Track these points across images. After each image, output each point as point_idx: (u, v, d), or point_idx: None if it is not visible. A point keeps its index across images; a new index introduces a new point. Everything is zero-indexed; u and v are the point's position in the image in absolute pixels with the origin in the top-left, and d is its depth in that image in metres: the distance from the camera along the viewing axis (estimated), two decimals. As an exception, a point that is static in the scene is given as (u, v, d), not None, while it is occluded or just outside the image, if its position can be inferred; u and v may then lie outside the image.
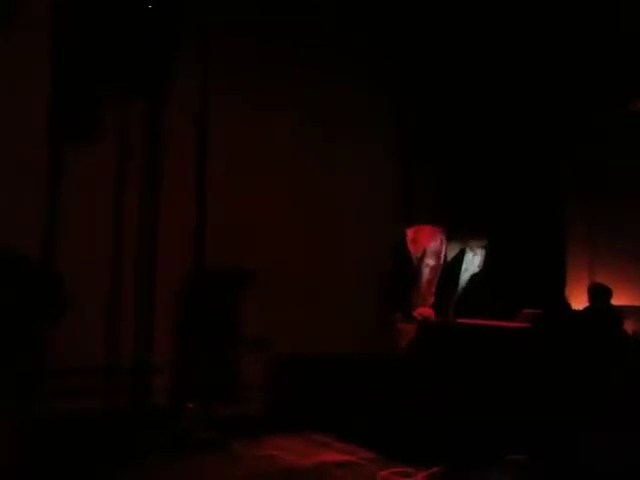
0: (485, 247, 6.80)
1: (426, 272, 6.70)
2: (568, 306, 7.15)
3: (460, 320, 6.64)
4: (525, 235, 8.57)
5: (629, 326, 6.68)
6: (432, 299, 6.75)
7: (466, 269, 6.87)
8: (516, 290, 7.83)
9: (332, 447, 6.45)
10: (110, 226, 7.01)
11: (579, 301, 7.45)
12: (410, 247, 6.72)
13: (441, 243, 6.65)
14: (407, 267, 6.74)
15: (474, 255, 6.81)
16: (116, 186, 7.08)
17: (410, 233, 6.74)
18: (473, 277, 7.01)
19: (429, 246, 6.63)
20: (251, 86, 7.86)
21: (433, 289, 6.72)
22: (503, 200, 8.66)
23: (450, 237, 6.67)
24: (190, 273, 7.45)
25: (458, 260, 6.82)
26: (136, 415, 6.69)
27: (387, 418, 6.30)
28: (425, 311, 6.62)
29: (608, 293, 6.71)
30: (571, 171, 9.01)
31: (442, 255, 6.69)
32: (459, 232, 6.71)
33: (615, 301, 6.88)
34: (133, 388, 6.98)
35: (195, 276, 7.47)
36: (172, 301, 7.38)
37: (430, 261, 6.70)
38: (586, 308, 6.81)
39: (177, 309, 7.41)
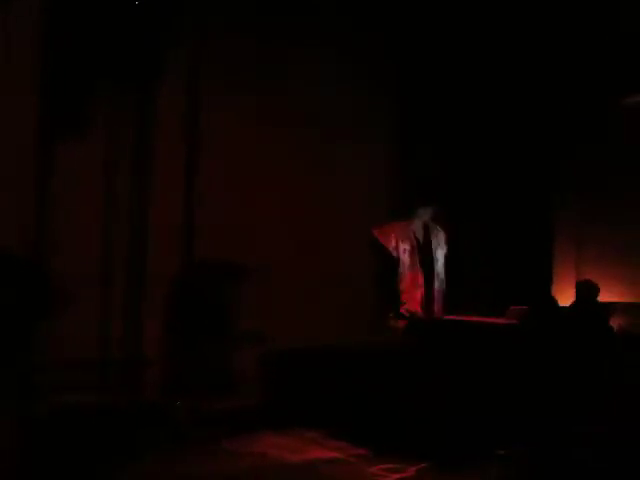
0: (437, 216, 7.02)
1: (405, 257, 6.89)
2: (555, 303, 7.20)
3: (448, 317, 6.71)
4: (514, 233, 8.62)
5: (615, 322, 6.74)
6: (421, 289, 6.86)
7: (437, 246, 7.06)
8: (504, 286, 7.89)
9: (323, 444, 6.49)
10: (102, 223, 7.03)
11: (566, 297, 7.51)
12: (382, 241, 6.91)
13: (408, 227, 6.86)
14: (387, 262, 6.88)
15: (438, 232, 7.02)
16: (107, 183, 7.10)
17: (376, 231, 6.93)
18: (462, 271, 7.15)
19: (399, 232, 6.84)
20: (249, 86, 7.88)
21: (420, 274, 6.85)
22: (493, 200, 8.71)
23: (410, 216, 6.90)
24: (183, 269, 7.49)
25: (429, 244, 7.01)
26: (130, 411, 6.71)
27: (378, 414, 6.36)
28: (411, 307, 6.72)
29: (595, 290, 6.75)
30: (558, 171, 9.05)
31: (413, 238, 6.89)
32: (413, 208, 6.94)
33: (601, 297, 6.93)
34: (126, 384, 7.02)
35: (188, 272, 7.50)
36: (165, 297, 7.41)
37: (406, 245, 6.90)
38: (573, 304, 6.86)
39: (170, 304, 7.44)
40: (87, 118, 6.87)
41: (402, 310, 6.71)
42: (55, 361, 6.34)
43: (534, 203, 8.89)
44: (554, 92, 8.76)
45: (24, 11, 6.58)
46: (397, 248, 7.06)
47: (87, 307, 6.78)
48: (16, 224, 6.27)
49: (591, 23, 8.26)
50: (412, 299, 7.15)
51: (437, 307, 7.31)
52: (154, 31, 7.05)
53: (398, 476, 5.57)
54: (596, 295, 6.73)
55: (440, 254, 7.20)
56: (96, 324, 6.91)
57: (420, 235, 7.08)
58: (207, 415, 6.82)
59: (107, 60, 6.86)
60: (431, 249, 7.14)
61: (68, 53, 6.75)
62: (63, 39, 6.73)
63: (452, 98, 8.99)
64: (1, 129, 6.36)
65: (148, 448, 6.02)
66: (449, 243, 7.59)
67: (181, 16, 7.28)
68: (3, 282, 5.65)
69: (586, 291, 6.74)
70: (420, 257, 7.08)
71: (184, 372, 7.25)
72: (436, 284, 7.25)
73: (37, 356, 6.08)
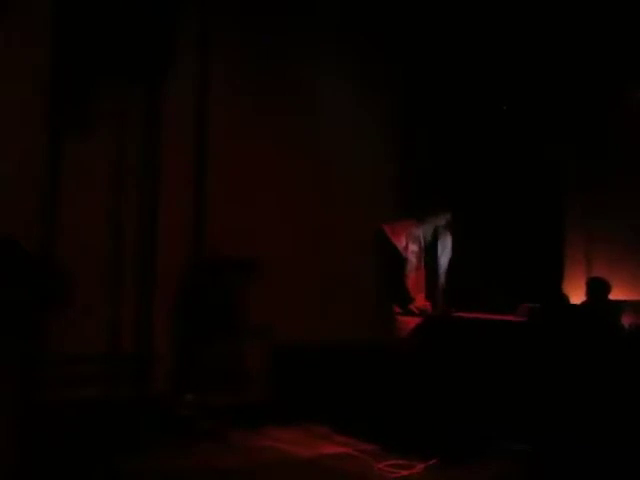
0: (450, 223, 7.01)
1: (412, 258, 6.89)
2: (566, 300, 7.17)
3: (460, 314, 6.69)
4: (524, 230, 8.60)
5: (627, 320, 6.70)
6: (424, 289, 6.86)
7: (443, 251, 7.04)
8: (516, 284, 7.87)
9: (330, 439, 6.50)
10: (111, 216, 7.04)
11: (577, 295, 7.49)
12: (393, 239, 6.91)
13: (417, 228, 6.86)
14: (395, 260, 6.88)
15: (445, 236, 7.01)
16: (116, 177, 7.10)
17: (388, 228, 6.93)
18: (471, 268, 7.14)
19: (409, 233, 6.84)
20: (251, 86, 7.90)
21: (422, 277, 6.86)
22: (504, 197, 8.69)
23: (422, 219, 6.90)
24: (191, 263, 7.50)
25: (435, 246, 7.00)
26: (137, 405, 6.73)
27: (385, 410, 6.35)
28: (422, 304, 6.71)
29: (606, 287, 6.72)
30: (570, 166, 9.02)
31: (421, 239, 6.89)
32: (428, 212, 6.93)
33: (612, 295, 6.89)
34: (135, 378, 7.02)
35: (195, 266, 7.51)
36: (172, 290, 7.41)
37: (414, 247, 6.91)
38: (583, 302, 6.83)
39: (179, 301, 7.44)
40: (96, 117, 6.89)
41: (412, 307, 6.69)
42: (63, 354, 6.34)
43: (544, 202, 8.86)
44: (556, 87, 8.72)
45: (32, 11, 6.58)
46: (406, 248, 7.06)
47: (97, 303, 6.80)
48: (26, 221, 6.28)
49: (592, 22, 8.22)
50: (417, 299, 7.16)
51: (439, 301, 7.29)
52: (162, 30, 7.06)
53: (406, 472, 5.54)
54: (607, 293, 6.70)
55: (444, 260, 7.21)
56: (106, 319, 6.91)
57: (428, 238, 7.08)
58: (215, 409, 6.84)
59: (116, 59, 6.87)
60: (437, 253, 7.13)
61: (76, 52, 6.76)
62: (71, 38, 6.74)
63: (455, 97, 8.96)
64: (12, 129, 6.37)
65: (154, 442, 6.05)
66: (459, 242, 7.57)
67: (187, 15, 7.30)
68: (11, 277, 5.63)
69: (597, 289, 6.71)
70: (425, 260, 7.07)
71: (192, 367, 7.25)
72: (437, 287, 7.25)
73: (46, 351, 6.06)
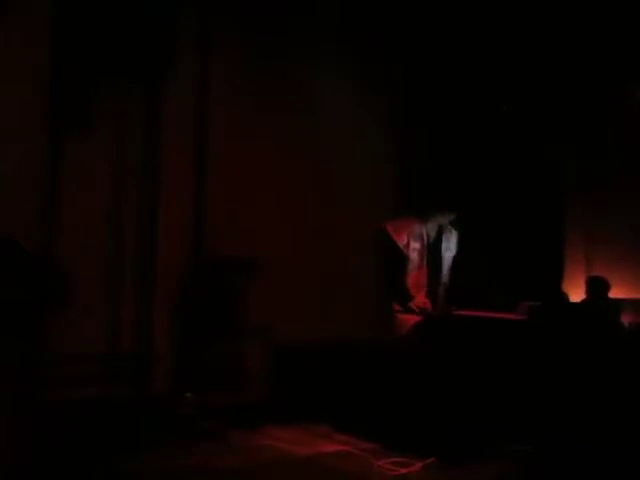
0: (455, 222, 6.98)
1: (414, 256, 6.84)
2: (566, 299, 7.17)
3: (460, 312, 6.67)
4: (524, 229, 8.61)
5: (626, 319, 6.71)
6: (425, 287, 6.84)
7: (447, 248, 7.02)
8: (516, 282, 7.87)
9: (330, 437, 6.50)
10: (111, 216, 7.04)
11: (576, 293, 7.50)
12: (395, 237, 6.86)
13: (420, 226, 6.83)
14: (397, 258, 6.85)
15: (450, 234, 6.99)
16: (116, 177, 7.11)
17: (390, 226, 6.90)
18: (471, 266, 7.11)
19: (412, 230, 6.80)
20: (251, 86, 7.92)
21: (424, 275, 6.83)
22: (504, 196, 8.70)
23: (425, 217, 6.87)
24: (191, 263, 7.50)
25: (438, 244, 6.97)
26: (137, 405, 6.73)
27: (385, 409, 6.34)
28: (421, 302, 6.68)
29: (606, 286, 6.73)
30: (570, 166, 9.03)
31: (424, 237, 6.86)
32: (431, 211, 6.90)
33: (612, 294, 6.91)
34: (133, 377, 7.03)
35: (195, 266, 7.51)
36: (172, 290, 7.42)
37: (416, 244, 6.85)
38: (583, 301, 6.84)
39: (177, 298, 7.45)
40: (96, 117, 6.90)
41: (411, 305, 6.67)
42: (64, 355, 6.36)
43: (544, 202, 8.88)
44: (556, 87, 8.73)
45: (32, 11, 6.60)
46: (408, 246, 7.00)
47: (97, 303, 6.81)
48: (26, 221, 6.29)
49: (592, 22, 8.24)
50: (417, 297, 7.13)
51: (440, 300, 7.26)
52: (162, 30, 7.08)
53: (405, 470, 5.54)
54: (607, 292, 6.71)
55: (448, 256, 7.15)
56: (106, 319, 6.92)
57: (432, 235, 7.03)
58: (215, 409, 6.84)
59: (116, 59, 6.88)
60: (440, 250, 7.10)
61: (76, 52, 6.76)
62: (71, 38, 6.75)
63: (455, 97, 8.97)
64: (12, 129, 6.37)
65: (153, 442, 6.04)
66: (459, 242, 7.56)
67: (187, 15, 7.32)
68: (11, 277, 5.62)
69: (597, 288, 6.73)
70: (428, 258, 7.03)
71: (192, 367, 7.26)
72: (440, 286, 7.22)
73: (46, 351, 6.06)
